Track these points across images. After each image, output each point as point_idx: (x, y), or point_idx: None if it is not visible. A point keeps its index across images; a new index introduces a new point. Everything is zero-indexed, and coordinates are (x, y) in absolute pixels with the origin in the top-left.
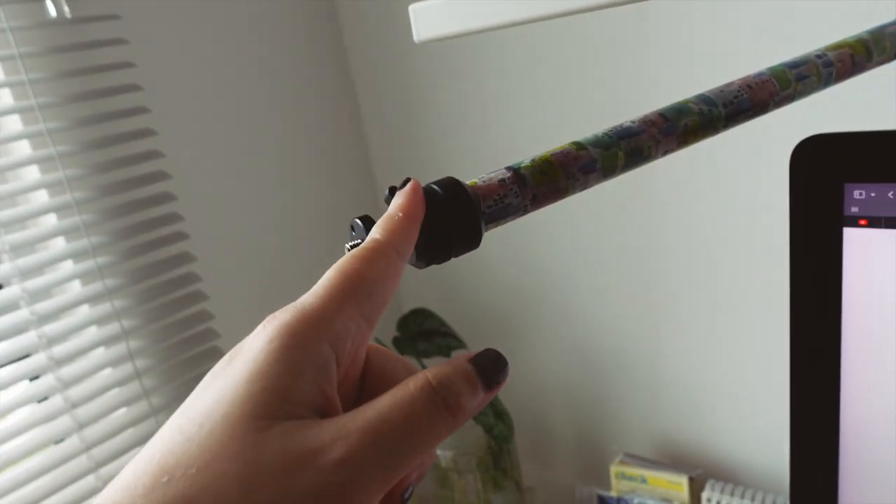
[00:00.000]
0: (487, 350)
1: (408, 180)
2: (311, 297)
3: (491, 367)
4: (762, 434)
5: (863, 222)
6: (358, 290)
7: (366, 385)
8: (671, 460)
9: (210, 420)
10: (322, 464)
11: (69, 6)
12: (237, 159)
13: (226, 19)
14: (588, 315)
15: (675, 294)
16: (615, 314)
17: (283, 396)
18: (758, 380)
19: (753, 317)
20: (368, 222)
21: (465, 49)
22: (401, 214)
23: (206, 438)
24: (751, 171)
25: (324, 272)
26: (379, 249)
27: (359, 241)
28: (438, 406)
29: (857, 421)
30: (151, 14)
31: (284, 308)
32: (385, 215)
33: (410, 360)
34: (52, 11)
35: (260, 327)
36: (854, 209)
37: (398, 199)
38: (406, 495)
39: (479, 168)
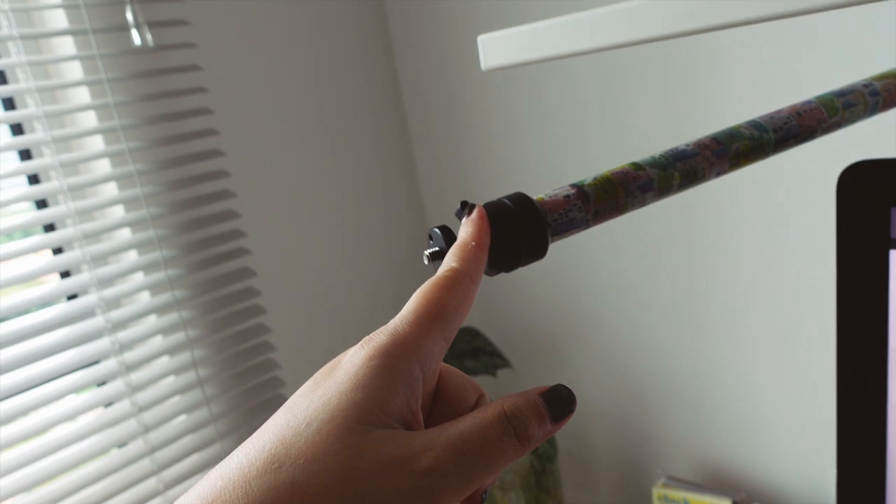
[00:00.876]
0: (558, 386)
1: (472, 206)
2: (401, 322)
3: (560, 402)
4: (807, 457)
5: None
6: (442, 316)
7: (437, 399)
8: (715, 483)
9: (317, 420)
10: (412, 469)
11: (152, 35)
12: (296, 181)
13: (288, 52)
14: (631, 337)
15: (719, 315)
16: (658, 335)
17: (380, 407)
18: (803, 402)
19: (799, 338)
20: (447, 232)
21: (515, 78)
22: (474, 244)
23: (314, 435)
24: (796, 194)
25: (374, 291)
26: (457, 279)
27: (437, 248)
28: (510, 434)
29: None
30: (224, 44)
31: (379, 330)
32: (459, 243)
33: None
34: (137, 40)
35: (358, 347)
36: None
37: (469, 228)
38: (484, 496)
39: (527, 192)
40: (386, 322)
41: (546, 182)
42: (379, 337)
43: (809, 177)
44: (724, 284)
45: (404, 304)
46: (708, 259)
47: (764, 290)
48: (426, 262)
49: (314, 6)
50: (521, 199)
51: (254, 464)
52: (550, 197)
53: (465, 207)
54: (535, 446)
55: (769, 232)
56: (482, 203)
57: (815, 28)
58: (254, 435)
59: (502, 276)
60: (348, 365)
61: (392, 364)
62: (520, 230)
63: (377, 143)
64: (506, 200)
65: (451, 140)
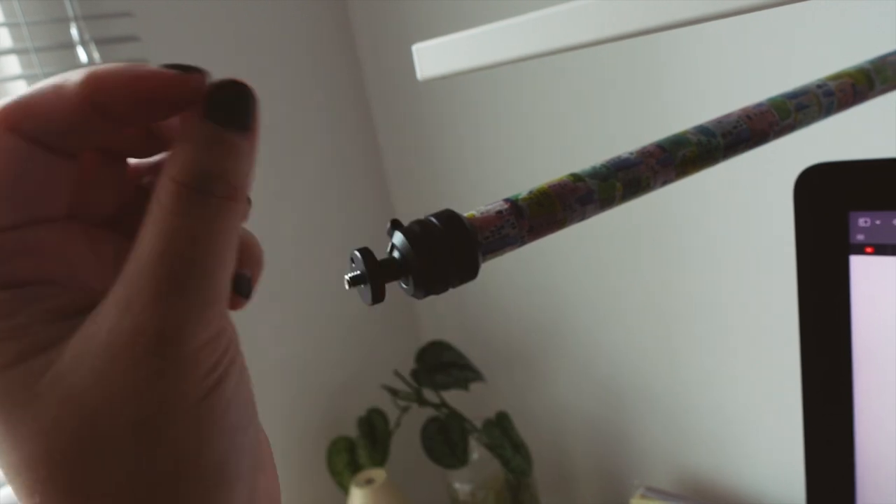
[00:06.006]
0: (221, 83)
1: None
2: None
3: (234, 104)
4: (788, 467)
5: (869, 250)
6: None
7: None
8: (694, 494)
9: None
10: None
11: (101, 52)
12: (256, 196)
13: (246, 66)
14: (608, 346)
15: (699, 325)
16: (635, 345)
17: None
18: (783, 412)
19: (781, 348)
20: (367, 254)
21: (481, 83)
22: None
23: None
24: (782, 198)
25: (338, 309)
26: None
27: (358, 272)
28: (210, 203)
29: (872, 446)
30: (178, 59)
31: None
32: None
33: (427, 392)
34: (84, 58)
35: None
36: (860, 237)
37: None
38: (244, 291)
39: (496, 198)
40: (357, 338)
41: (519, 183)
42: None
43: (776, 180)
44: (704, 294)
45: (375, 321)
46: (687, 268)
47: (745, 299)
48: (346, 286)
49: (270, 16)
50: (448, 217)
51: None
52: (482, 213)
53: (394, 227)
54: (249, 188)
55: (748, 239)
56: (410, 221)
57: (775, 27)
58: None
59: (472, 286)
60: None
61: None
62: (447, 251)
63: (343, 154)
64: (432, 219)
65: (420, 144)
